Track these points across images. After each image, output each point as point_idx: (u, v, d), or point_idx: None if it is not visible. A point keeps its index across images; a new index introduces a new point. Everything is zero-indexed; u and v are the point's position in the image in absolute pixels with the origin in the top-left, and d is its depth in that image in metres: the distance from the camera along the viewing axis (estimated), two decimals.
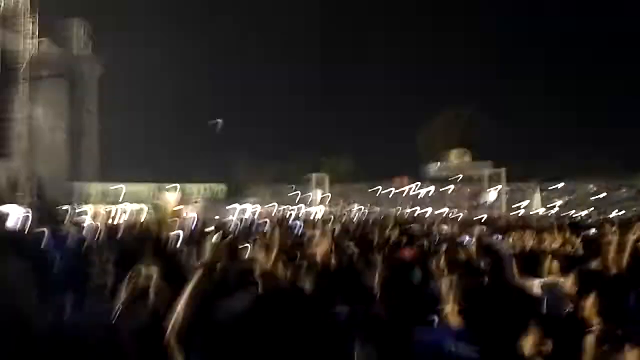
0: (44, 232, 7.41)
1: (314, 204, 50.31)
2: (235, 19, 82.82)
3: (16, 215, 15.30)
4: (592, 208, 43.30)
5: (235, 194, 63.37)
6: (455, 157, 64.97)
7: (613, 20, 75.56)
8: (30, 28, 23.39)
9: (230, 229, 9.90)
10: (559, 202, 53.76)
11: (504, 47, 79.02)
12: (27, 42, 23.41)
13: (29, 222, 10.22)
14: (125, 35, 57.26)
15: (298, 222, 12.53)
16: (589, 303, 3.15)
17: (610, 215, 29.28)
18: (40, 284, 3.27)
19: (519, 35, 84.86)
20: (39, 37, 23.97)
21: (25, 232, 7.92)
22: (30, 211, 15.11)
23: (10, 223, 11.44)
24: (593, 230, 11.25)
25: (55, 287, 3.72)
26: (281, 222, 10.18)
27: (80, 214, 17.97)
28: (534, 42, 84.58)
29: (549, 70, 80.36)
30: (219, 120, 32.20)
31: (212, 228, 9.46)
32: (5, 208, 17.55)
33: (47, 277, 3.52)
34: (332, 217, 19.31)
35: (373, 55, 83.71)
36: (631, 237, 4.29)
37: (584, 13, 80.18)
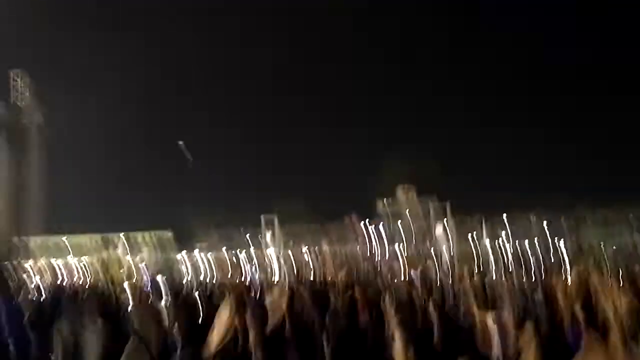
0: None
1: (265, 246, 49.61)
2: (177, 60, 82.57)
3: None
4: (536, 238, 44.37)
5: (183, 240, 61.74)
6: (402, 192, 65.48)
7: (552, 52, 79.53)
8: None
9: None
10: (504, 233, 54.86)
11: (439, 80, 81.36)
12: None
13: None
14: (64, 83, 56.21)
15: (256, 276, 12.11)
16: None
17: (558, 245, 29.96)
18: None
19: (453, 67, 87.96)
20: None
21: None
22: None
23: None
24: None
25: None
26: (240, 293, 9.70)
27: (23, 270, 17.25)
28: (469, 74, 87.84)
29: (485, 103, 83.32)
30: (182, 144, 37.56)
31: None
32: None
33: None
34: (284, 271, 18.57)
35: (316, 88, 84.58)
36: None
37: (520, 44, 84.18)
